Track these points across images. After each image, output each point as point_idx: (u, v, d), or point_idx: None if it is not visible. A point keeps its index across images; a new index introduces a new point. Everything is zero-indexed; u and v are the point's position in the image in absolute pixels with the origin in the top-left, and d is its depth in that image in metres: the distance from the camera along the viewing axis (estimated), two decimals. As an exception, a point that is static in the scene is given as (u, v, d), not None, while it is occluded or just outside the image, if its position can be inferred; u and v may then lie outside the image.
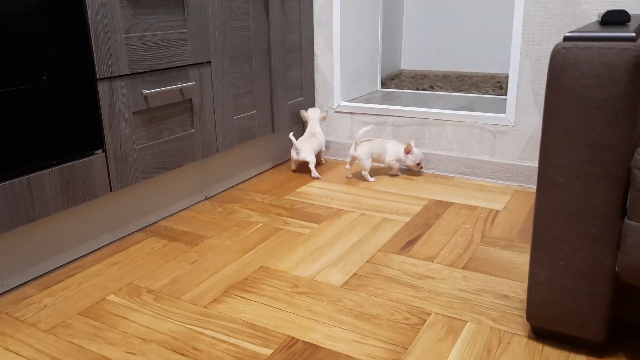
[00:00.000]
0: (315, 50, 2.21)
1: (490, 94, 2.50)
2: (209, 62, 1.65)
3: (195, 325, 1.12)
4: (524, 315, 1.13)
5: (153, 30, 1.45)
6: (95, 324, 1.12)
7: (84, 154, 1.32)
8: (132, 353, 1.03)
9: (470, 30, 3.21)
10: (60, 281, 1.30)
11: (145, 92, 1.43)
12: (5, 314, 1.17)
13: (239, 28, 1.76)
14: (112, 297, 1.22)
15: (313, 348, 1.04)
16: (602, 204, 0.90)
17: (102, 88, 1.33)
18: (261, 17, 1.85)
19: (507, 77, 3.11)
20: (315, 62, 2.23)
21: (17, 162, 1.17)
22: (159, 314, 1.16)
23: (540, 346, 1.03)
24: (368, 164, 1.95)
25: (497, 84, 2.90)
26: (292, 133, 2.04)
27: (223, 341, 1.06)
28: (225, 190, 1.92)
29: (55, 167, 1.25)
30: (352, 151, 1.95)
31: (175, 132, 1.57)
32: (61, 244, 1.37)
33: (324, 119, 2.16)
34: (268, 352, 1.03)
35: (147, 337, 1.08)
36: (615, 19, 0.99)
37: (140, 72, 1.43)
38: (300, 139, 2.07)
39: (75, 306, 1.19)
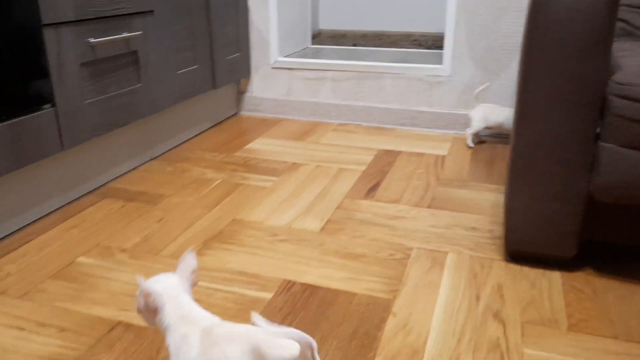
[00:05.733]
0: (248, 4, 2.15)
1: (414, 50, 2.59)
2: (152, 11, 1.55)
3: (184, 279, 1.08)
4: (496, 243, 1.22)
5: (96, -27, 1.33)
6: (74, 286, 1.05)
7: (33, 109, 1.20)
8: (126, 310, 0.98)
9: (387, -11, 3.27)
10: (16, 248, 1.19)
11: (93, 40, 1.32)
12: (-36, 285, 1.05)
13: (179, -24, 1.67)
14: (82, 259, 1.14)
15: (312, 288, 1.05)
16: (578, 130, 0.98)
17: (49, 35, 1.21)
18: (199, -34, 1.76)
19: (422, 34, 3.23)
20: (249, 16, 2.17)
21: (-37, 116, 1.04)
22: (141, 271, 1.10)
23: (518, 267, 1.12)
24: (478, 126, 1.82)
25: (415, 42, 3.00)
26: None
27: (218, 290, 1.04)
28: (169, 150, 1.83)
29: (5, 123, 1.13)
30: (470, 112, 1.86)
31: (121, 87, 1.47)
32: (10, 210, 1.25)
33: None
34: (268, 296, 1.02)
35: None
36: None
37: (86, 19, 1.31)
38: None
39: (43, 271, 1.10)
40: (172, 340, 0.70)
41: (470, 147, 1.85)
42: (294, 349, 0.62)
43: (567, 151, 1.00)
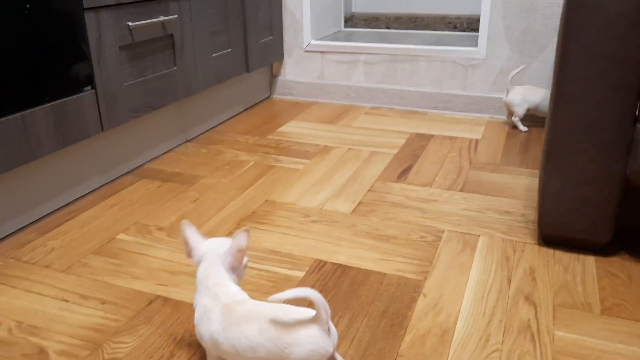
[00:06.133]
0: (282, -13, 2.16)
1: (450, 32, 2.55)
2: (188, -5, 1.58)
3: (219, 256, 1.11)
4: (529, 227, 1.21)
5: (134, -43, 1.36)
6: (114, 262, 1.09)
7: (75, 91, 1.24)
8: (164, 285, 1.02)
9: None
10: (60, 225, 1.24)
11: (131, 24, 1.35)
12: (12, 258, 1.11)
13: (213, -40, 1.68)
14: (122, 236, 1.19)
15: (343, 268, 1.07)
16: (616, 112, 0.96)
17: (89, 19, 1.24)
18: (233, -51, 1.78)
19: (457, 17, 3.18)
20: (283, 0, 2.17)
21: (9, 97, 1.09)
22: (178, 249, 1.14)
23: (551, 251, 1.11)
24: (522, 110, 1.78)
25: (450, 24, 2.96)
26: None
27: (252, 268, 1.07)
28: (203, 132, 1.87)
29: (48, 104, 1.17)
30: (504, 98, 1.82)
31: (158, 70, 1.51)
32: (54, 188, 1.30)
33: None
34: (300, 274, 1.05)
35: (174, 269, 1.06)
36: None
37: (125, 3, 1.34)
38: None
39: (85, 247, 1.15)
40: (197, 309, 0.75)
41: (525, 131, 1.82)
42: (309, 312, 0.68)
43: (604, 134, 0.98)
